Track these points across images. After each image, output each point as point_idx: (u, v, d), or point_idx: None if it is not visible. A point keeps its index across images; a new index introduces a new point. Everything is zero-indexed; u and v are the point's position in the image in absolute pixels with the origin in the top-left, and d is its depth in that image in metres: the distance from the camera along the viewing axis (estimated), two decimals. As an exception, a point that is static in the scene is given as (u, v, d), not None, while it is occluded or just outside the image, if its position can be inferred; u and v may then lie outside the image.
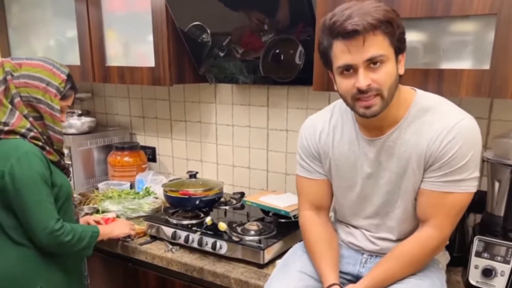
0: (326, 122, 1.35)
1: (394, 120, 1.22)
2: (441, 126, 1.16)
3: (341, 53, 1.12)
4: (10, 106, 1.50)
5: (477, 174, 1.18)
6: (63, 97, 1.58)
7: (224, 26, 1.87)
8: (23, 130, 1.50)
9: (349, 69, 1.13)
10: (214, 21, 1.88)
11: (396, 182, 1.25)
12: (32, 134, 1.51)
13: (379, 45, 1.09)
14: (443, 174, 1.17)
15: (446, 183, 1.18)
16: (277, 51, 1.79)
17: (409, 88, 1.26)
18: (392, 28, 1.10)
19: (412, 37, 1.42)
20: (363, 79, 1.10)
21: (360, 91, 1.12)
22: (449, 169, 1.16)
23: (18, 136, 1.50)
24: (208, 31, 1.90)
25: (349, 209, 1.37)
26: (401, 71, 1.18)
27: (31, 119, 1.52)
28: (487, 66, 1.29)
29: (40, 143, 1.52)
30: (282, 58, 1.80)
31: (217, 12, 1.83)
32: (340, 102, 1.34)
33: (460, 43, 1.36)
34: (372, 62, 1.10)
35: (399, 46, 1.14)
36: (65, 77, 1.58)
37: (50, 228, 1.45)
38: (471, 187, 1.18)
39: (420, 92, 1.25)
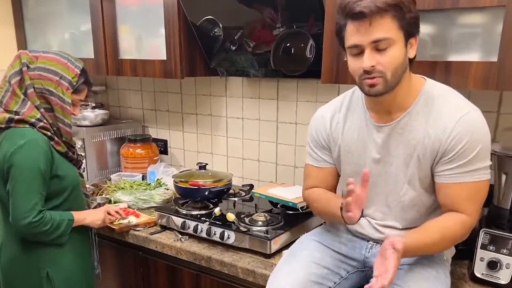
0: (336, 111, 1.39)
1: (403, 106, 1.24)
2: (448, 117, 1.18)
3: (351, 34, 1.16)
4: (22, 96, 1.55)
5: (489, 162, 1.21)
6: (76, 91, 1.61)
7: (236, 20, 1.89)
8: (33, 120, 1.54)
9: (357, 51, 1.16)
10: (226, 15, 1.90)
11: (402, 169, 1.27)
12: (41, 124, 1.55)
13: (386, 27, 1.12)
14: (457, 166, 1.19)
15: (462, 174, 1.19)
16: (288, 44, 1.81)
17: (420, 76, 1.28)
18: (401, 12, 1.12)
19: (421, 29, 1.42)
20: (367, 60, 1.14)
21: (365, 71, 1.16)
22: (462, 161, 1.18)
23: (27, 125, 1.54)
24: (220, 25, 1.92)
25: None
26: (411, 54, 1.20)
27: (42, 110, 1.56)
28: (495, 59, 1.30)
29: (49, 133, 1.56)
30: (292, 51, 1.82)
31: (229, 6, 1.86)
32: (350, 92, 1.39)
33: (468, 35, 1.36)
34: (379, 45, 1.13)
35: (409, 30, 1.15)
36: (79, 72, 1.61)
37: (29, 220, 1.47)
38: (485, 175, 1.21)
39: (429, 81, 1.27)
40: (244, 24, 1.88)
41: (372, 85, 1.17)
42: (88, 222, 1.67)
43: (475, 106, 1.21)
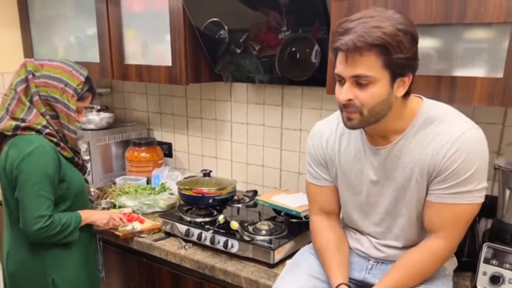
0: (332, 130, 1.37)
1: (398, 129, 1.22)
2: (445, 138, 1.16)
3: (339, 62, 1.15)
4: (28, 104, 1.57)
5: (484, 184, 1.18)
6: (80, 98, 1.63)
7: (241, 23, 1.89)
8: (39, 127, 1.56)
9: (340, 79, 1.15)
10: (232, 17, 1.90)
11: (400, 191, 1.26)
12: (47, 130, 1.57)
13: (369, 65, 1.09)
14: (449, 186, 1.17)
15: (452, 195, 1.18)
16: (293, 49, 1.81)
17: (416, 96, 1.25)
18: (387, 52, 1.07)
19: (426, 43, 1.42)
20: (344, 93, 1.14)
21: (343, 104, 1.15)
22: (454, 181, 1.16)
23: (33, 132, 1.56)
24: (226, 27, 1.92)
25: (355, 215, 1.39)
26: (399, 93, 1.15)
27: (47, 117, 1.58)
28: (500, 75, 1.29)
29: (55, 140, 1.58)
30: (298, 56, 1.81)
31: (234, 9, 1.86)
32: None
33: (474, 50, 1.36)
34: (359, 80, 1.11)
35: (397, 70, 1.11)
36: (83, 79, 1.63)
37: (40, 225, 1.49)
38: (478, 198, 1.18)
39: (427, 101, 1.24)
40: (250, 27, 1.88)
41: (348, 119, 1.17)
42: (94, 219, 1.70)
43: (475, 124, 1.18)
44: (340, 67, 1.13)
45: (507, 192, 1.44)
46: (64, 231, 1.56)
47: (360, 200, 1.35)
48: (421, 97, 1.26)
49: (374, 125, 1.19)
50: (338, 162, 1.35)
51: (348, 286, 1.29)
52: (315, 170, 1.42)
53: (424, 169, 1.20)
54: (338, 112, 1.39)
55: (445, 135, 1.16)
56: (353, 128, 1.20)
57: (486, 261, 1.41)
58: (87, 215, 1.67)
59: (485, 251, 1.42)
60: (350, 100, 1.13)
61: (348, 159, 1.33)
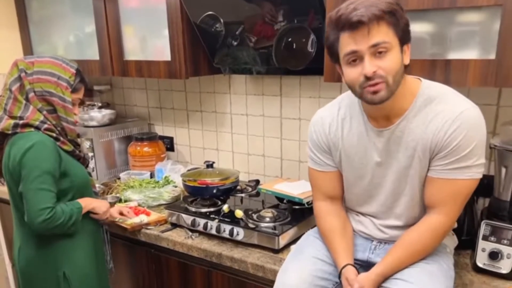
0: (334, 115, 1.40)
1: (400, 109, 1.26)
2: (445, 116, 1.20)
3: (347, 43, 1.17)
4: (24, 102, 1.60)
5: (482, 160, 1.22)
6: (74, 90, 1.66)
7: (237, 15, 1.91)
8: (37, 123, 1.59)
9: (356, 59, 1.17)
10: (227, 10, 1.92)
11: (404, 170, 1.30)
12: (45, 126, 1.60)
13: (383, 33, 1.14)
14: (449, 162, 1.22)
15: (452, 171, 1.22)
16: (290, 39, 1.83)
17: (415, 77, 1.30)
18: (395, 19, 1.15)
19: (420, 28, 1.46)
20: (369, 66, 1.15)
21: (367, 78, 1.16)
22: (455, 157, 1.21)
23: (32, 129, 1.59)
24: (221, 20, 1.94)
25: (359, 197, 1.43)
26: (406, 61, 1.21)
27: (45, 112, 1.61)
28: (493, 56, 1.33)
29: (54, 134, 1.61)
30: (294, 46, 1.83)
31: (229, 1, 1.88)
32: (346, 95, 1.39)
33: (467, 33, 1.39)
34: (377, 50, 1.15)
35: (403, 36, 1.18)
36: (74, 71, 1.66)
37: (43, 218, 1.52)
38: (477, 174, 1.22)
39: (425, 82, 1.28)
40: (245, 19, 1.89)
41: (375, 92, 1.17)
42: (93, 206, 1.71)
43: (473, 103, 1.23)
44: (354, 43, 1.15)
45: (503, 170, 1.48)
46: (69, 220, 1.59)
47: (365, 182, 1.38)
48: (419, 79, 1.30)
49: (386, 103, 1.21)
50: (342, 147, 1.39)
51: (354, 266, 1.34)
52: (318, 157, 1.45)
53: (426, 147, 1.24)
54: (338, 99, 1.44)
55: (445, 113, 1.21)
56: (381, 100, 1.19)
57: (485, 238, 1.45)
58: (88, 202, 1.69)
59: (483, 229, 1.46)
60: (374, 72, 1.15)
61: (351, 143, 1.36)
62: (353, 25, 1.14)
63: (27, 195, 1.53)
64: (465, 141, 1.19)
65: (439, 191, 1.25)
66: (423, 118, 1.24)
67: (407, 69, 1.24)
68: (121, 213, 1.89)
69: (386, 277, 1.28)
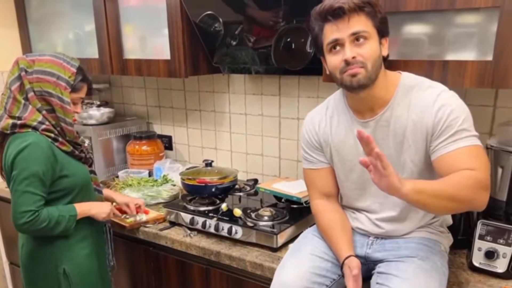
0: (323, 115, 1.48)
1: (384, 100, 1.33)
2: (427, 99, 1.27)
3: (330, 32, 1.27)
4: (23, 101, 1.59)
5: (476, 133, 1.25)
6: (74, 90, 1.65)
7: (236, 15, 1.92)
8: (34, 123, 1.58)
9: (336, 46, 1.27)
10: (226, 10, 1.93)
11: (395, 157, 1.33)
12: (44, 126, 1.59)
13: (363, 23, 1.25)
14: (448, 137, 1.24)
15: (453, 142, 1.23)
16: (289, 39, 1.84)
17: (396, 72, 1.38)
18: (374, 11, 1.26)
19: (418, 29, 1.48)
20: (349, 51, 1.25)
21: (347, 63, 1.25)
22: (449, 133, 1.24)
23: (30, 130, 1.58)
24: (220, 20, 1.95)
25: (353, 192, 1.46)
26: (384, 53, 1.31)
27: (44, 112, 1.61)
28: (490, 58, 1.34)
29: (52, 135, 1.61)
30: (293, 46, 1.85)
31: (228, 1, 1.88)
32: (333, 96, 1.48)
33: (464, 35, 1.41)
34: (357, 38, 1.24)
35: (381, 29, 1.28)
36: (75, 70, 1.64)
37: (23, 220, 1.51)
38: (477, 141, 1.24)
39: (404, 74, 1.36)
40: (244, 19, 1.91)
41: (354, 75, 1.26)
42: (93, 213, 1.70)
43: (448, 88, 1.30)
44: (336, 33, 1.26)
45: (500, 170, 1.49)
46: (56, 225, 1.57)
47: (356, 175, 1.42)
48: (400, 72, 1.37)
49: (366, 93, 1.29)
50: (332, 142, 1.44)
51: (356, 257, 1.36)
52: (311, 155, 1.50)
53: (418, 132, 1.28)
54: (326, 100, 1.51)
55: (426, 97, 1.28)
56: (358, 83, 1.26)
57: (481, 237, 1.47)
58: (86, 209, 1.67)
59: (479, 228, 1.48)
60: (354, 57, 1.24)
61: (340, 137, 1.42)
62: (335, 13, 1.24)
63: (13, 196, 1.54)
64: (453, 117, 1.24)
65: (456, 161, 1.21)
66: (406, 105, 1.31)
67: (386, 61, 1.33)
68: (126, 207, 1.90)
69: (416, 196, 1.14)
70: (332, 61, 1.29)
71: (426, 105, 1.27)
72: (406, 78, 1.34)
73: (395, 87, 1.33)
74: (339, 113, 1.43)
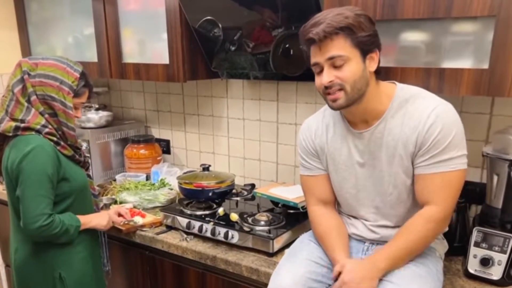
0: (319, 123, 1.49)
1: (378, 112, 1.34)
2: (421, 114, 1.28)
3: (313, 55, 1.29)
4: (26, 104, 1.59)
5: (464, 152, 1.27)
6: (77, 95, 1.65)
7: (235, 21, 1.93)
8: (38, 127, 1.58)
9: (318, 69, 1.29)
10: (225, 15, 1.94)
11: (387, 169, 1.35)
12: (47, 130, 1.60)
13: (339, 46, 1.24)
14: (431, 157, 1.27)
15: (436, 164, 1.27)
16: (287, 45, 1.85)
17: (390, 82, 1.39)
18: (352, 32, 1.23)
19: (415, 37, 1.49)
20: (325, 76, 1.27)
21: (325, 87, 1.27)
22: (435, 151, 1.26)
23: (33, 132, 1.58)
24: (220, 25, 1.96)
25: (348, 202, 1.47)
26: (371, 68, 1.30)
27: (46, 116, 1.61)
28: (486, 66, 1.35)
29: (54, 139, 1.61)
30: (291, 52, 1.85)
31: (228, 7, 1.89)
32: None
33: (461, 43, 1.42)
34: (334, 62, 1.25)
35: (364, 47, 1.26)
36: (78, 75, 1.65)
37: (39, 224, 1.51)
38: (461, 165, 1.27)
39: (399, 85, 1.37)
40: (243, 25, 1.92)
41: (334, 100, 1.29)
42: (93, 224, 1.73)
43: (445, 101, 1.30)
44: (317, 56, 1.27)
45: (495, 178, 1.50)
46: (65, 233, 1.59)
47: (350, 183, 1.43)
48: (394, 83, 1.38)
49: (356, 107, 1.31)
50: (328, 150, 1.45)
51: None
52: (308, 162, 1.51)
53: (408, 146, 1.30)
54: (322, 108, 1.51)
55: (420, 112, 1.28)
56: (340, 107, 1.30)
57: (476, 244, 1.47)
58: (87, 220, 1.70)
59: (475, 235, 1.48)
60: (331, 81, 1.26)
61: (335, 146, 1.43)
62: (309, 41, 1.26)
63: (25, 201, 1.53)
64: (443, 135, 1.25)
65: (428, 186, 1.29)
66: (400, 118, 1.31)
67: (379, 74, 1.33)
68: (119, 214, 1.89)
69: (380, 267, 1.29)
70: (316, 82, 1.31)
71: (419, 120, 1.27)
72: (401, 90, 1.34)
73: (390, 98, 1.33)
74: (335, 122, 1.44)
